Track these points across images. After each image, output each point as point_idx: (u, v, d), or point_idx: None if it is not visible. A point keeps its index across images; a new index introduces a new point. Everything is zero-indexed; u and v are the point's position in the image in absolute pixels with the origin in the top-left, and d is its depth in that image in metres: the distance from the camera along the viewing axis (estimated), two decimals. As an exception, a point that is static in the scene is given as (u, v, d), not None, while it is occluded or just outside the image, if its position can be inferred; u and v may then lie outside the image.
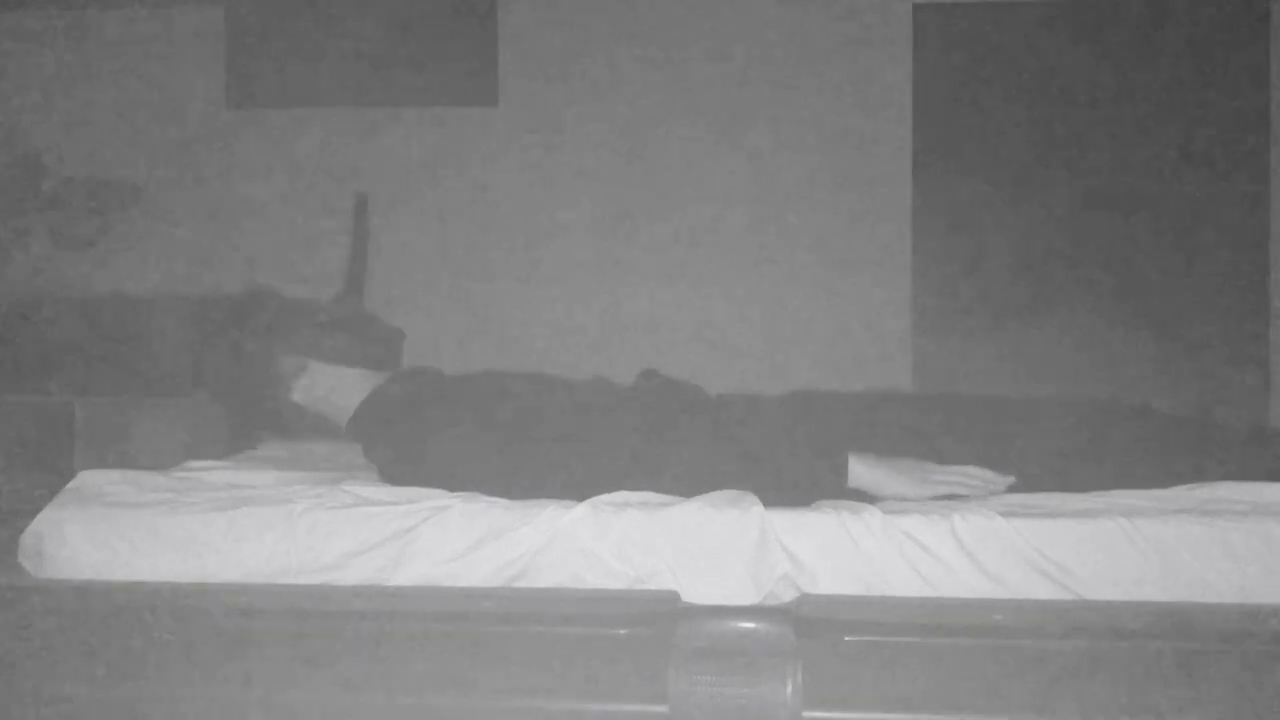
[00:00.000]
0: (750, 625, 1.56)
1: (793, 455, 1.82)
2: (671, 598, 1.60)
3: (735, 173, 4.69)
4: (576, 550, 1.64)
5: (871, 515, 1.63)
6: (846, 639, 1.54)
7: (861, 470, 1.80)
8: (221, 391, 2.23)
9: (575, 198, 4.74)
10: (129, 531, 1.71)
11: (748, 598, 1.61)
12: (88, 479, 1.87)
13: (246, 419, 2.25)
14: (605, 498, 1.70)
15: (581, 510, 1.66)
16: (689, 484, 1.76)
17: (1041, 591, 1.58)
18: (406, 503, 1.72)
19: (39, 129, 4.81)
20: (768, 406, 2.07)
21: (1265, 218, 4.50)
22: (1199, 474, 1.80)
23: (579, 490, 1.74)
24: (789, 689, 1.51)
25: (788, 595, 1.61)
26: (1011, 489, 1.81)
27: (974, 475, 1.81)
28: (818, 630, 1.54)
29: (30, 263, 4.74)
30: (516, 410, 1.97)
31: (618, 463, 1.81)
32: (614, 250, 4.71)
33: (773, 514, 1.63)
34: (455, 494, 1.77)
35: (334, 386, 2.17)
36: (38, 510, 1.76)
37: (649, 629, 1.56)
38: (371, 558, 1.66)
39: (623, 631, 1.56)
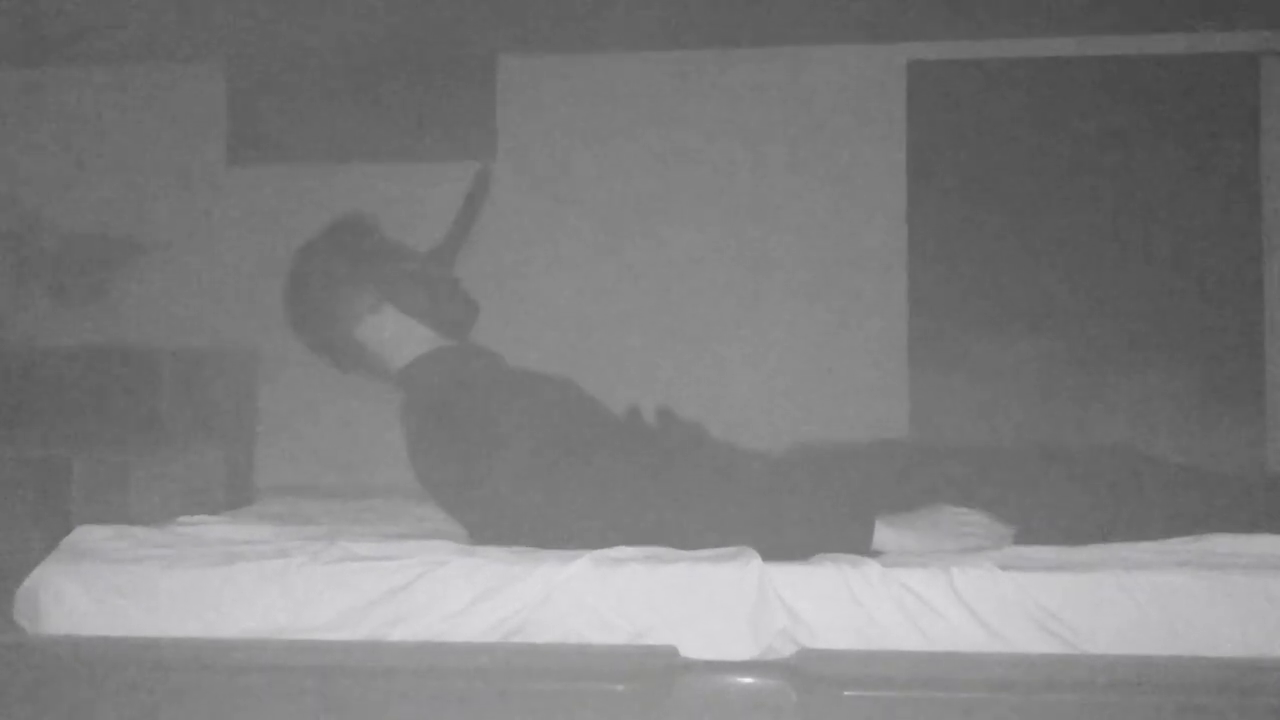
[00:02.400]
0: (749, 680, 1.56)
1: (818, 518, 1.80)
2: (670, 653, 1.59)
3: (732, 220, 4.72)
4: (575, 605, 1.63)
5: (870, 568, 1.63)
6: (846, 694, 1.53)
7: (887, 534, 1.78)
8: (295, 303, 2.20)
9: (573, 248, 4.76)
10: (126, 587, 1.70)
11: (746, 652, 1.60)
12: (85, 534, 1.87)
13: (308, 339, 2.22)
14: (604, 552, 1.70)
15: (580, 565, 1.66)
16: (710, 543, 1.75)
17: (1041, 645, 1.57)
18: (403, 558, 1.72)
19: (40, 184, 4.84)
20: (789, 461, 2.07)
21: (1258, 264, 4.53)
22: (1198, 523, 1.79)
23: (595, 538, 1.75)
24: (788, 745, 1.50)
25: (787, 650, 1.61)
26: (1016, 540, 1.81)
27: (984, 526, 1.81)
28: (817, 685, 1.53)
29: (30, 317, 4.75)
30: (550, 431, 1.95)
31: (642, 517, 1.81)
32: (611, 299, 4.72)
33: (771, 568, 1.63)
34: (452, 548, 1.77)
35: (400, 336, 2.14)
36: (34, 565, 1.75)
37: (647, 684, 1.55)
38: (369, 613, 1.66)
39: (621, 687, 1.56)
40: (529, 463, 1.88)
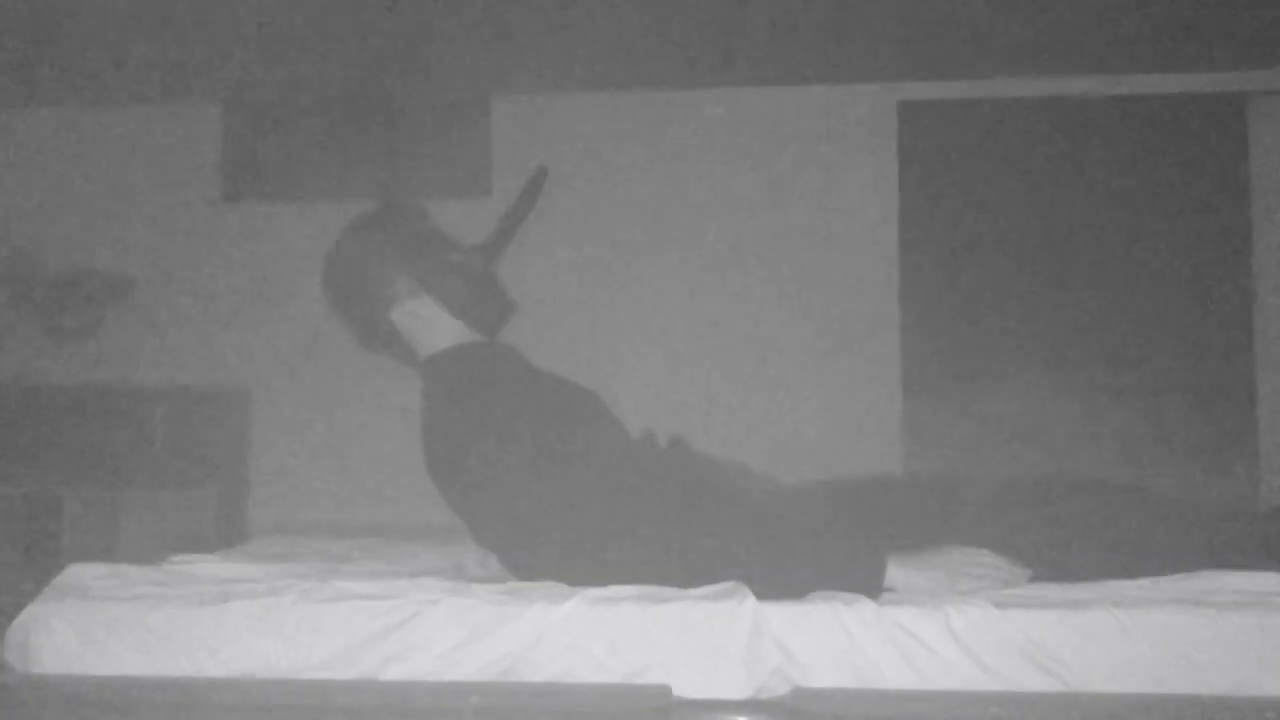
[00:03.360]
0: (743, 719, 1.55)
1: (830, 556, 1.79)
2: (664, 692, 1.58)
3: (724, 258, 4.74)
4: (568, 645, 1.63)
5: (865, 607, 1.63)
6: (840, 733, 1.53)
7: (897, 573, 1.78)
8: (335, 277, 2.20)
9: (567, 285, 4.78)
10: (117, 626, 1.70)
11: (741, 691, 1.59)
12: (76, 572, 1.86)
13: (342, 314, 2.21)
14: (597, 591, 1.70)
15: (573, 604, 1.65)
16: (719, 576, 1.74)
17: (1036, 683, 1.57)
18: (395, 597, 1.71)
19: (34, 221, 4.85)
20: (797, 497, 2.06)
21: (1249, 301, 4.56)
22: (1192, 558, 1.79)
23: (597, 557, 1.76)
24: (783, 785, 1.49)
25: (781, 689, 1.60)
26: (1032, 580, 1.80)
27: (998, 567, 1.80)
28: (811, 724, 1.53)
29: (23, 354, 4.75)
30: (566, 442, 1.95)
31: (650, 543, 1.81)
32: (600, 336, 4.73)
33: (766, 607, 1.63)
34: (445, 587, 1.76)
35: (431, 324, 2.14)
36: (25, 603, 1.75)
37: (641, 724, 1.54)
38: (361, 652, 1.65)
39: (614, 727, 1.55)
40: (541, 470, 1.88)
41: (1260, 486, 4.47)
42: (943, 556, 1.80)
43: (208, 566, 2.04)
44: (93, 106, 4.92)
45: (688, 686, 1.60)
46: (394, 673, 1.64)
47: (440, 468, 2.00)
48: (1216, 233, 4.60)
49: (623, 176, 4.81)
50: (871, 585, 1.75)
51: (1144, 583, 1.74)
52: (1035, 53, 4.44)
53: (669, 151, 4.78)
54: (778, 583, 1.71)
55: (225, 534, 4.34)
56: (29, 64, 4.39)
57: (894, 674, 1.58)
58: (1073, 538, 1.89)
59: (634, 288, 4.77)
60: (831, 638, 1.60)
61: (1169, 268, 4.60)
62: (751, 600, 1.63)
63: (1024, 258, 4.66)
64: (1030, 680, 1.57)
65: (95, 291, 4.68)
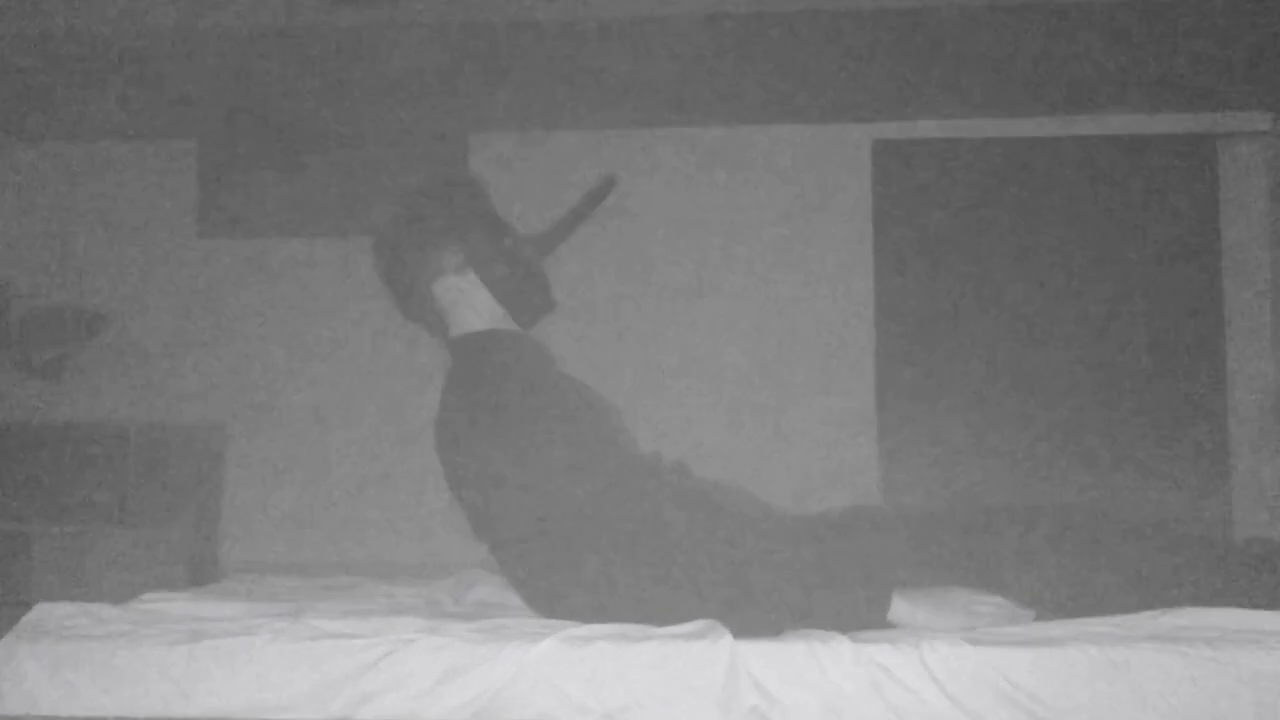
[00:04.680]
0: (719, 759, 1.54)
1: (835, 587, 1.80)
2: (640, 731, 1.58)
3: (697, 297, 4.74)
4: (544, 684, 1.62)
5: (840, 644, 1.63)
6: (817, 772, 1.52)
7: (902, 608, 1.78)
8: (388, 237, 2.19)
9: (540, 326, 4.77)
10: (87, 665, 1.68)
11: (717, 730, 1.59)
12: (45, 611, 1.84)
13: (386, 274, 2.20)
14: (572, 630, 1.69)
15: (549, 644, 1.65)
16: (724, 606, 1.74)
17: (1012, 721, 1.57)
18: (370, 635, 1.70)
19: (4, 256, 4.82)
20: (807, 527, 2.06)
21: (1220, 337, 4.61)
22: (1168, 591, 1.80)
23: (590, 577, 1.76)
24: (759, 825, 1.49)
25: (757, 727, 1.60)
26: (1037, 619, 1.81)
27: (1001, 607, 1.81)
28: (788, 763, 1.53)
29: (-6, 391, 4.71)
30: (579, 450, 1.95)
31: (652, 569, 1.80)
32: (575, 368, 4.72)
33: (742, 645, 1.62)
34: (420, 625, 1.75)
35: (471, 305, 2.15)
36: (-6, 644, 1.73)
37: (617, 763, 1.54)
38: (336, 692, 1.64)
39: (590, 766, 1.54)
40: (550, 473, 1.88)
41: (1233, 516, 4.52)
42: (948, 594, 1.81)
43: (179, 605, 2.02)
44: (66, 141, 4.91)
45: (664, 725, 1.59)
46: (369, 712, 1.63)
47: (447, 448, 2.00)
48: (1188, 269, 4.65)
49: (598, 215, 4.81)
50: (875, 617, 1.75)
51: (1116, 619, 1.75)
52: (1008, 93, 4.49)
53: (641, 190, 4.79)
54: (781, 616, 1.72)
55: (197, 572, 4.30)
56: (0, 100, 4.38)
57: (870, 711, 1.58)
58: (1050, 569, 1.90)
59: (605, 323, 4.76)
60: (807, 675, 1.60)
61: (1142, 303, 4.65)
62: (728, 639, 1.63)
63: (997, 293, 4.70)
64: (1004, 717, 1.57)
65: (67, 327, 4.65)
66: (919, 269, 4.73)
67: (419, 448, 4.64)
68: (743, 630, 1.68)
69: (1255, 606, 1.73)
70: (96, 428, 4.40)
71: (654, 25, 3.96)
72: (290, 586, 2.42)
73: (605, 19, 3.95)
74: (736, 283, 4.78)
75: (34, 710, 1.66)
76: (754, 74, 4.29)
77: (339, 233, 4.86)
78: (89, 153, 4.94)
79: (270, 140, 4.91)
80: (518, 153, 4.86)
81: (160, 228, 4.91)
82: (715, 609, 1.74)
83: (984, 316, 4.70)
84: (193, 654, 1.68)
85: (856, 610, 1.75)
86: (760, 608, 1.72)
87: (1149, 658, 1.58)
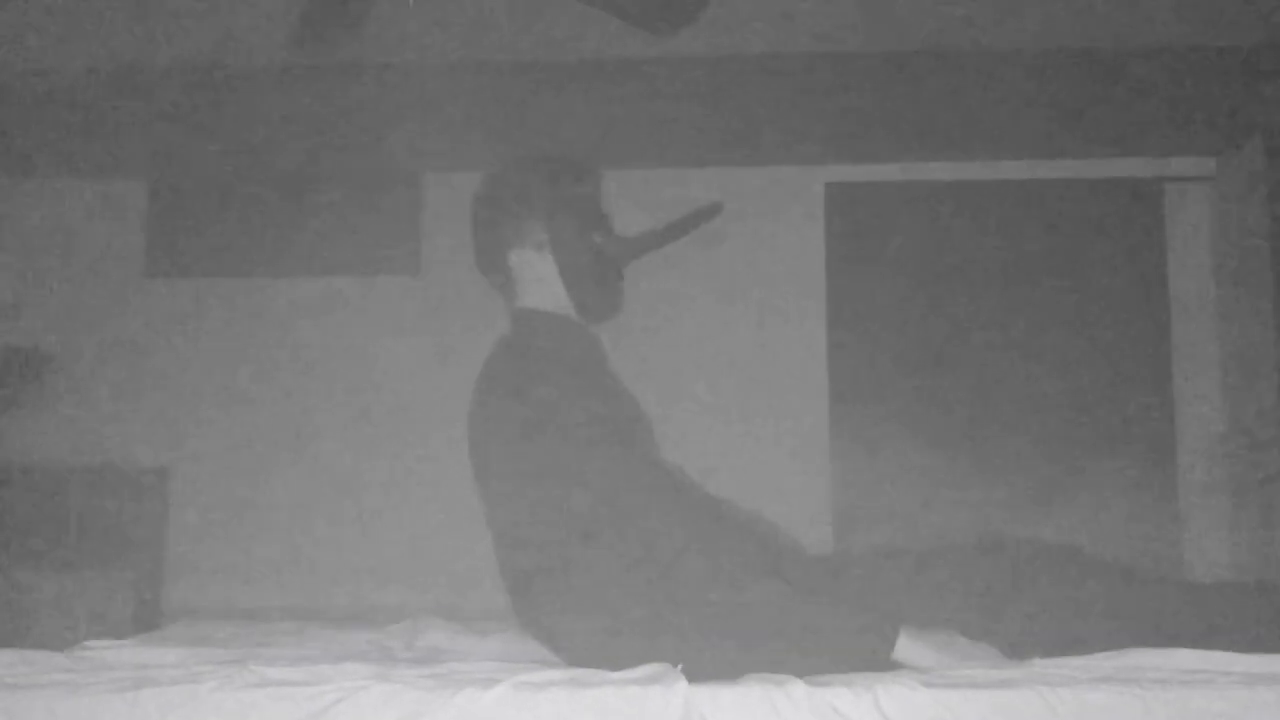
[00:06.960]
0: (675, 806, 1.52)
1: (841, 624, 1.80)
2: (593, 778, 1.55)
3: (652, 337, 4.75)
4: (496, 730, 1.59)
5: (795, 687, 1.62)
6: (773, 819, 1.51)
7: (906, 647, 1.78)
8: (489, 193, 2.24)
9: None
10: (26, 715, 1.63)
11: (672, 777, 1.57)
12: (-17, 660, 1.80)
13: (476, 223, 2.27)
14: (524, 677, 1.67)
15: (501, 690, 1.62)
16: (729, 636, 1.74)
17: (968, 765, 1.56)
18: (319, 683, 1.67)
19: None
20: (821, 564, 2.06)
21: (1169, 376, 4.68)
22: (1126, 629, 1.81)
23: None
24: None
25: (712, 773, 1.58)
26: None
27: (994, 658, 1.81)
28: (744, 810, 1.51)
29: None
30: (608, 454, 1.93)
31: (663, 582, 1.80)
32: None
33: (696, 689, 1.61)
34: (369, 672, 1.72)
35: (541, 283, 2.14)
36: (-73, 694, 1.68)
37: (570, 812, 1.51)
38: (282, 741, 1.60)
39: (543, 815, 1.52)
40: (575, 462, 1.88)
41: (1184, 555, 4.56)
42: (951, 638, 1.81)
43: (123, 652, 1.98)
44: (12, 179, 4.86)
45: (618, 772, 1.57)
46: (316, 762, 1.60)
47: (481, 439, 2.01)
48: (1136, 311, 4.72)
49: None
50: (880, 655, 1.76)
51: (1073, 661, 1.75)
52: (960, 137, 4.55)
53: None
54: (784, 652, 1.72)
55: (140, 618, 4.23)
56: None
57: (826, 756, 1.57)
58: (1005, 606, 1.91)
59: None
60: (762, 718, 1.59)
61: (1091, 343, 4.71)
62: (683, 684, 1.61)
63: (949, 334, 4.74)
64: (962, 761, 1.56)
65: (9, 367, 4.58)
66: (871, 308, 4.77)
67: (365, 493, 4.61)
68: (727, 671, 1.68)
69: (1209, 647, 1.74)
70: (38, 470, 4.33)
71: (609, 68, 3.99)
72: (233, 633, 2.37)
73: (558, 61, 3.97)
74: (688, 324, 4.79)
75: (-32, 762, 1.62)
76: (708, 117, 4.33)
77: (290, 272, 4.83)
78: (36, 190, 4.88)
79: (219, 181, 4.88)
80: (470, 192, 4.85)
81: (108, 267, 4.86)
82: (726, 647, 1.77)
83: (935, 357, 4.74)
84: (136, 701, 1.63)
85: (862, 648, 1.77)
86: (763, 645, 1.73)
87: (1103, 699, 1.58)
